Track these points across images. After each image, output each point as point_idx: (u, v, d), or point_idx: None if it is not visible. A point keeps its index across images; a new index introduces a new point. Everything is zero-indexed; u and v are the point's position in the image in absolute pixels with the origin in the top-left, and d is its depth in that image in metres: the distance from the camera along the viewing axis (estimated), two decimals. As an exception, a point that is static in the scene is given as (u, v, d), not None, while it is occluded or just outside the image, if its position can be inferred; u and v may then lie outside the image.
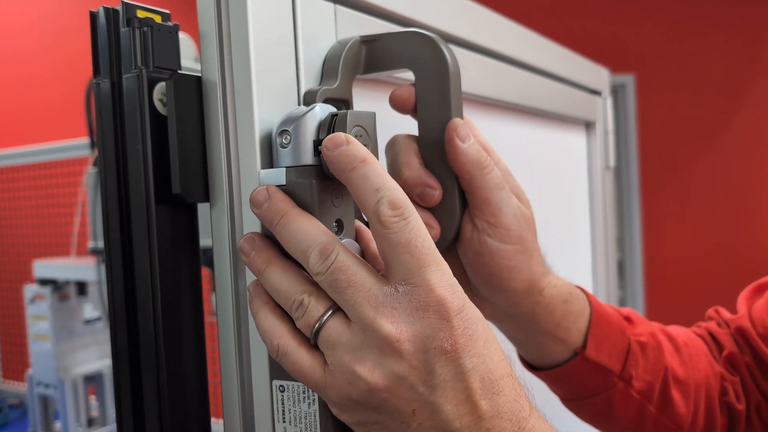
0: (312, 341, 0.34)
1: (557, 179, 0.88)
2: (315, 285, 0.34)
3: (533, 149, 0.80)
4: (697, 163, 3.64)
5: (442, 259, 0.34)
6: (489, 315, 0.50)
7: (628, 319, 0.56)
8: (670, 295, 3.64)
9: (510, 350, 0.54)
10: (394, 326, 0.32)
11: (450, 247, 0.45)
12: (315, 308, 0.34)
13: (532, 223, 0.47)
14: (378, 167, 0.34)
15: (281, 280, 0.35)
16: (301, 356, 0.34)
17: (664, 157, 3.68)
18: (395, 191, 0.33)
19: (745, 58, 3.57)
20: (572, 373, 0.52)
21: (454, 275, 0.47)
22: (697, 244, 3.64)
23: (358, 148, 0.34)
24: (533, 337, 0.51)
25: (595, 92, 0.99)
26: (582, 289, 0.53)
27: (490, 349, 0.33)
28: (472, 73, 0.60)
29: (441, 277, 0.33)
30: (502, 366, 0.34)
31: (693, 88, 3.62)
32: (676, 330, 0.60)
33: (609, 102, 1.04)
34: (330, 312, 0.33)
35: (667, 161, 3.67)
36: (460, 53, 0.42)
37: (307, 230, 0.34)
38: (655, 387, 0.54)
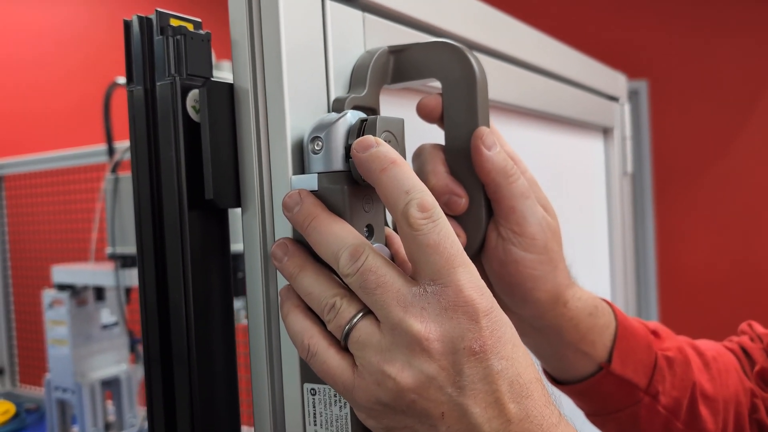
0: (342, 343, 0.34)
1: (575, 185, 0.88)
2: (346, 289, 0.35)
3: (551, 155, 0.80)
4: (711, 169, 3.62)
5: (470, 261, 0.34)
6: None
7: (655, 333, 0.55)
8: (684, 302, 3.61)
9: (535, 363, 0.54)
10: (423, 325, 0.32)
11: (476, 255, 0.45)
12: (346, 310, 0.34)
13: (558, 233, 0.46)
14: (408, 169, 0.34)
15: (314, 283, 0.35)
16: (330, 356, 0.34)
17: (677, 163, 3.66)
18: (425, 194, 0.33)
19: (758, 63, 3.55)
20: (597, 388, 0.52)
21: None
22: (711, 250, 3.61)
23: (389, 150, 0.34)
24: (558, 350, 0.51)
25: (613, 98, 1.00)
26: (608, 303, 0.53)
27: (518, 353, 0.33)
28: (493, 80, 0.60)
29: (470, 278, 0.33)
30: (530, 370, 0.34)
31: (706, 93, 3.60)
32: (705, 344, 0.59)
33: (627, 108, 1.04)
34: (360, 314, 0.34)
35: (681, 167, 3.66)
36: (481, 60, 0.43)
37: (337, 233, 0.34)
38: (682, 403, 0.53)
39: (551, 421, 0.33)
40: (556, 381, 0.54)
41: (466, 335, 0.32)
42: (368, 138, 0.35)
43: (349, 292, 0.35)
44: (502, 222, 0.44)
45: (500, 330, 0.33)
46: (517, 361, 0.33)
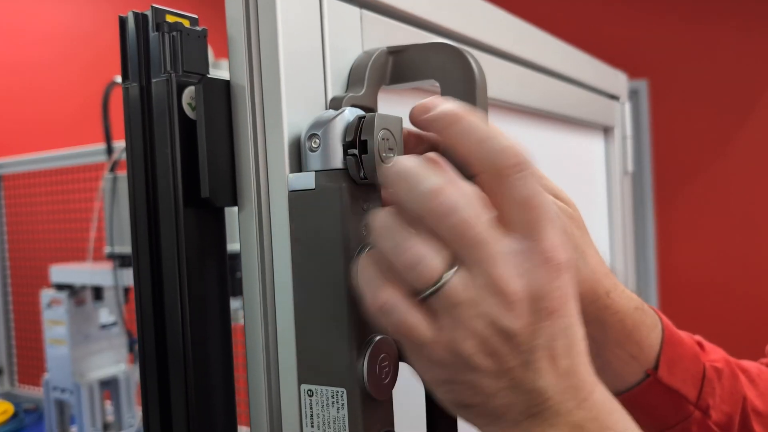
0: (425, 296, 0.32)
1: (576, 184, 0.88)
2: (432, 239, 0.32)
3: (552, 154, 0.80)
4: (711, 169, 3.62)
5: (555, 214, 0.33)
6: None
7: (699, 344, 0.52)
8: (684, 301, 3.61)
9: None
10: (515, 283, 0.31)
11: None
12: (434, 263, 0.31)
13: (578, 219, 0.44)
14: (476, 120, 0.33)
15: (395, 231, 0.32)
16: (411, 314, 0.32)
17: (677, 163, 3.65)
18: (507, 140, 0.32)
19: (758, 62, 3.55)
20: (643, 399, 0.48)
21: None
22: (711, 250, 3.61)
23: (452, 106, 0.33)
24: (602, 353, 0.48)
25: (613, 97, 0.99)
26: (651, 308, 0.50)
27: (576, 310, 0.34)
28: (493, 78, 0.59)
29: (557, 233, 0.32)
30: (580, 328, 0.34)
31: (707, 93, 3.60)
32: (745, 362, 0.56)
33: (627, 107, 1.03)
34: (456, 268, 0.32)
35: (681, 167, 3.65)
36: (481, 57, 0.42)
37: (433, 186, 0.31)
38: (734, 419, 0.50)
39: (592, 379, 0.34)
40: None
41: (548, 295, 0.31)
42: (428, 101, 0.34)
43: (434, 241, 0.32)
44: None
45: (572, 287, 0.33)
46: (576, 318, 0.33)
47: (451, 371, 0.33)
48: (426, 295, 0.32)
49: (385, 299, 0.32)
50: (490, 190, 0.32)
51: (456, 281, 0.32)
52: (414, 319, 0.32)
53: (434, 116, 0.33)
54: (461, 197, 0.32)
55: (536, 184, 0.32)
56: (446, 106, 0.33)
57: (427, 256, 0.32)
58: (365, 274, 0.34)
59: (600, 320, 0.46)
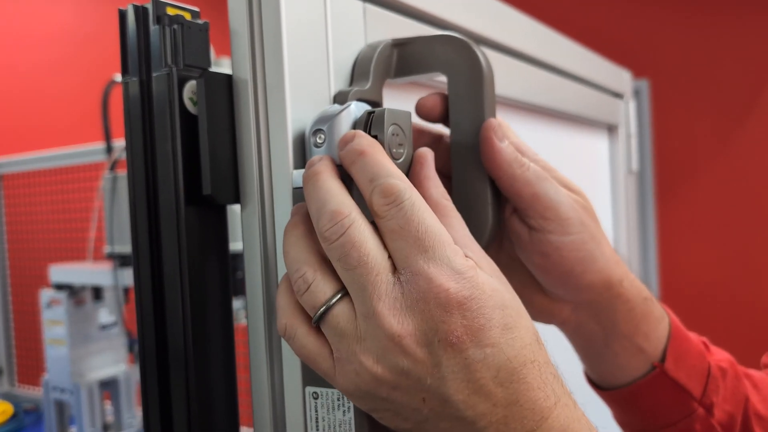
0: (314, 323, 0.32)
1: (580, 183, 0.87)
2: (325, 261, 0.33)
3: (556, 152, 0.79)
4: (712, 168, 3.61)
5: (448, 240, 0.31)
6: (567, 319, 0.47)
7: (704, 344, 0.52)
8: (685, 301, 3.60)
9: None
10: (396, 320, 0.30)
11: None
12: (321, 289, 0.32)
13: (590, 209, 0.44)
14: (377, 157, 0.32)
15: (294, 244, 0.33)
16: (309, 342, 0.32)
17: (679, 163, 3.65)
18: (388, 179, 0.32)
19: (760, 62, 3.54)
20: (648, 392, 0.48)
21: (523, 285, 0.44)
22: (713, 249, 3.60)
23: (360, 141, 0.33)
24: (611, 344, 0.47)
25: (617, 95, 0.98)
26: (659, 302, 0.50)
27: (509, 336, 0.31)
28: (497, 74, 0.58)
29: (440, 263, 0.31)
30: (524, 353, 0.31)
31: (709, 92, 3.59)
32: (751, 370, 0.55)
33: (632, 105, 1.02)
34: (338, 296, 0.32)
35: (683, 166, 3.64)
36: (486, 54, 0.41)
37: (328, 190, 0.32)
38: (736, 419, 0.49)
39: (545, 404, 0.31)
40: (601, 388, 0.51)
41: (440, 327, 0.30)
42: (347, 133, 0.34)
43: (326, 266, 0.32)
44: (530, 213, 0.41)
45: (483, 317, 0.30)
46: (507, 346, 0.31)
47: (367, 402, 0.32)
48: (315, 321, 0.32)
49: (285, 323, 0.33)
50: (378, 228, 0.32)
51: (338, 310, 0.32)
52: (313, 347, 0.32)
53: (343, 155, 0.33)
54: (358, 227, 0.31)
55: (412, 216, 0.31)
56: (353, 143, 0.33)
57: (316, 281, 0.32)
58: (279, 296, 0.34)
59: (612, 309, 0.45)
